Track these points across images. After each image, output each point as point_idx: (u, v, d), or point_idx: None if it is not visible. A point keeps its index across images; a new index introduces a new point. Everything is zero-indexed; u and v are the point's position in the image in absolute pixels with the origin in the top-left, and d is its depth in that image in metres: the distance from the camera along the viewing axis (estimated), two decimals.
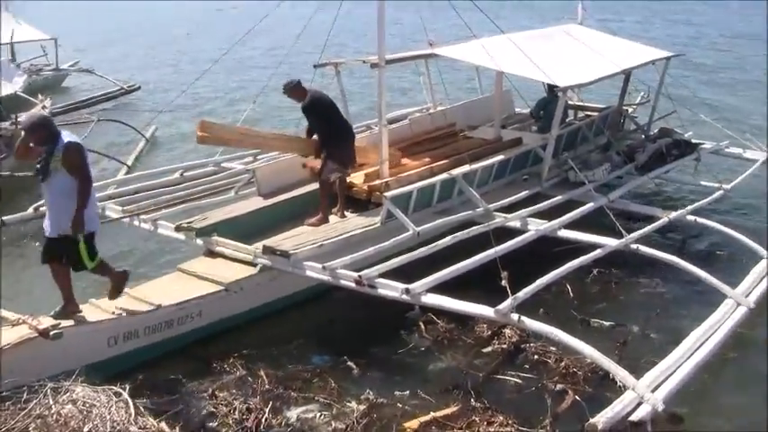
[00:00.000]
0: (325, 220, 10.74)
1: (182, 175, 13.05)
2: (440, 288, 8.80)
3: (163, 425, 7.07)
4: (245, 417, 7.68)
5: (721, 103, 21.30)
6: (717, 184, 12.98)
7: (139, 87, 25.83)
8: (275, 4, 12.12)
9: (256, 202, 11.26)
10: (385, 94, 11.04)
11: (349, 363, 8.90)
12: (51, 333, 7.93)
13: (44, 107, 19.98)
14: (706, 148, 14.65)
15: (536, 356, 8.90)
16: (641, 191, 14.04)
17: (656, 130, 15.23)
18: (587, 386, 8.26)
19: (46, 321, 8.11)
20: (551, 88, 13.70)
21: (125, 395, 7.23)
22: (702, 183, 13.57)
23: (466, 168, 11.48)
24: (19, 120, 16.64)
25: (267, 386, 8.34)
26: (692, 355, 8.15)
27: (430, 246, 9.73)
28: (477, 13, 11.30)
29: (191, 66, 29.01)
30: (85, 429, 6.62)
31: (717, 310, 9.12)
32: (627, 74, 14.52)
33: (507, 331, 9.30)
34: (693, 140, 14.85)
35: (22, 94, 20.58)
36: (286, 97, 11.25)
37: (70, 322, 8.34)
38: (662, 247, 10.69)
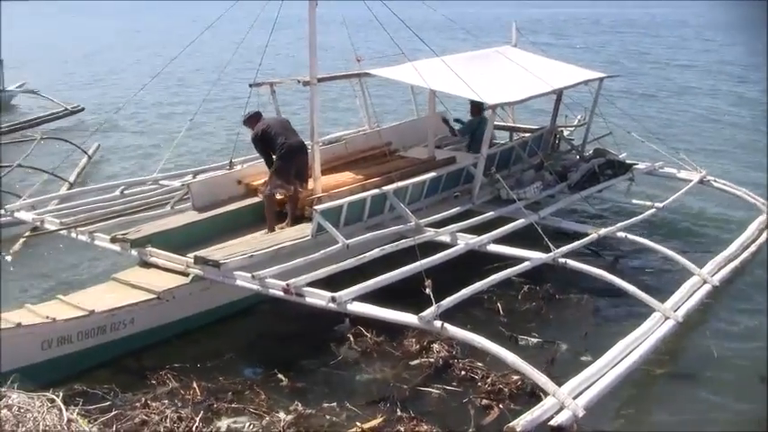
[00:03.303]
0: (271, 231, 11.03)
1: (122, 192, 13.14)
2: (369, 300, 8.95)
3: (95, 430, 7.12)
4: (176, 425, 7.72)
5: (657, 124, 21.80)
6: (649, 203, 13.21)
7: (83, 108, 25.77)
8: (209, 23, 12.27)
9: (190, 216, 11.45)
10: (318, 112, 11.22)
11: (279, 375, 8.98)
12: None
13: None
14: (640, 169, 14.92)
15: (463, 372, 8.99)
16: (576, 210, 14.33)
17: (591, 151, 15.52)
18: (513, 403, 8.34)
19: None
20: (479, 110, 14.06)
21: (58, 401, 7.29)
22: (636, 202, 13.79)
23: (396, 185, 11.64)
24: None
25: (199, 397, 8.42)
26: (615, 365, 8.28)
27: (357, 257, 9.93)
28: (412, 39, 11.54)
29: (134, 86, 29.15)
30: None
31: (644, 323, 9.27)
32: (558, 94, 14.80)
33: (435, 346, 9.42)
34: (628, 161, 15.13)
35: None
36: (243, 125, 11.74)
37: (5, 324, 8.43)
38: (594, 263, 10.82)
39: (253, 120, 11.53)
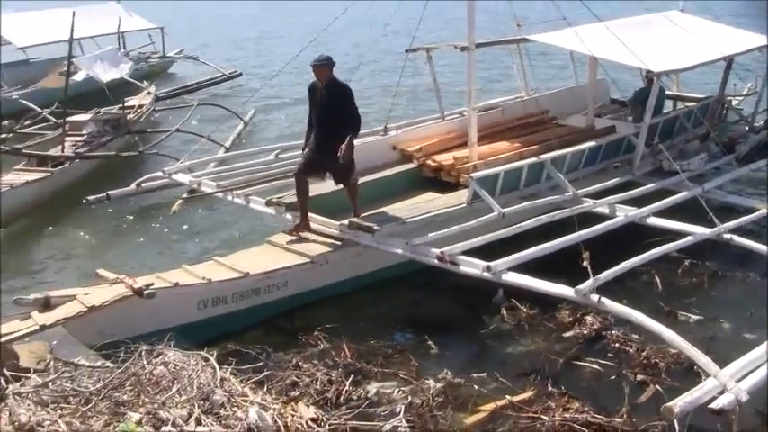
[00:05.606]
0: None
1: (276, 156, 13.33)
2: (521, 270, 8.79)
3: (246, 389, 7.19)
4: (326, 388, 7.78)
5: None
6: None
7: (241, 74, 26.32)
8: None
9: None
10: (474, 78, 11.02)
11: (429, 342, 8.92)
12: (145, 292, 8.33)
13: (149, 92, 20.78)
14: None
15: (617, 345, 8.70)
16: (742, 184, 13.63)
17: (761, 122, 14.85)
18: (669, 378, 8.01)
19: (141, 281, 8.52)
20: (650, 79, 13.46)
21: (212, 360, 7.44)
22: None
23: (554, 153, 11.37)
24: (126, 104, 17.49)
25: (349, 360, 8.43)
26: None
27: (513, 227, 9.77)
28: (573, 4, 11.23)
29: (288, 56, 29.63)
30: (174, 388, 6.88)
31: None
32: (728, 61, 14.09)
33: (589, 318, 9.14)
34: None
35: (129, 79, 21.29)
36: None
37: (164, 284, 8.71)
38: (762, 241, 10.18)
39: (330, 66, 10.03)
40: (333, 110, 9.98)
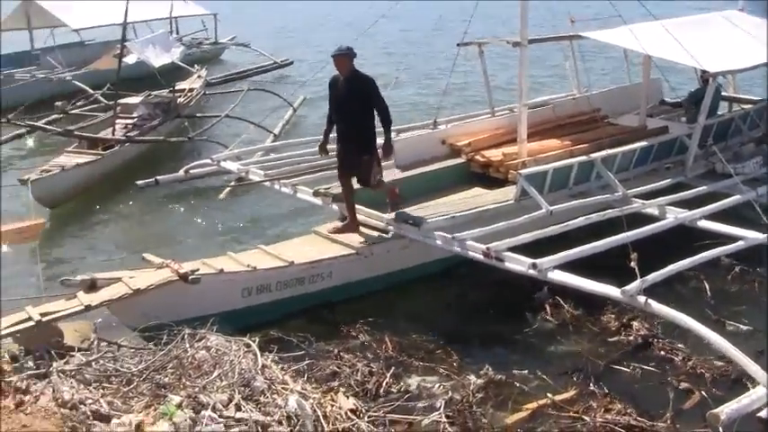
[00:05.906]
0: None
1: None
2: (568, 269, 8.67)
3: (287, 377, 7.20)
4: (366, 379, 7.77)
5: None
6: None
7: (292, 62, 26.43)
8: None
9: (393, 174, 11.38)
10: (526, 74, 10.91)
11: (472, 338, 8.89)
12: (190, 277, 8.41)
13: (200, 77, 20.91)
14: None
15: (662, 353, 8.54)
16: None
17: None
18: (715, 389, 7.82)
19: (187, 267, 8.60)
20: (705, 79, 13.21)
21: (254, 347, 7.47)
22: None
23: (605, 152, 11.23)
24: (176, 88, 17.62)
25: (390, 352, 8.43)
26: None
27: (561, 225, 9.66)
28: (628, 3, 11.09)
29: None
30: (215, 373, 6.92)
31: None
32: None
33: (635, 324, 9.00)
34: None
35: (180, 64, 21.46)
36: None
37: (209, 270, 8.77)
38: None
39: (351, 57, 9.65)
40: (353, 103, 9.70)
